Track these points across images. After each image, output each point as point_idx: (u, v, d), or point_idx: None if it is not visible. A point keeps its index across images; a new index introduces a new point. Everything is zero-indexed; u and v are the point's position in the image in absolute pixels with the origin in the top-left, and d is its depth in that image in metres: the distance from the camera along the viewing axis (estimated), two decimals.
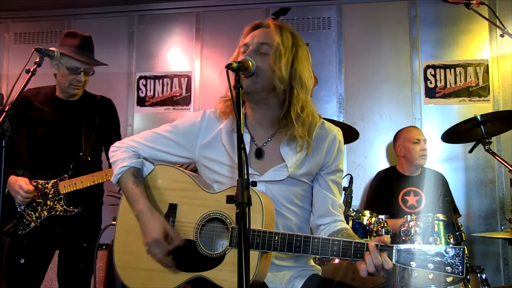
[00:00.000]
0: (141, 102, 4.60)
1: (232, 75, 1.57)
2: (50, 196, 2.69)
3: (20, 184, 2.62)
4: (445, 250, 1.46)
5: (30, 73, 2.03)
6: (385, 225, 2.99)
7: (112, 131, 3.01)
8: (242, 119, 1.46)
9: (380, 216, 2.97)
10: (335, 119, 4.18)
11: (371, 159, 4.27)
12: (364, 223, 2.97)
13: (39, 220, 2.67)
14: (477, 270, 3.04)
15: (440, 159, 4.15)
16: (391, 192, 3.71)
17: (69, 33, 2.85)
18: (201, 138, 1.86)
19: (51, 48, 2.23)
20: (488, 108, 4.09)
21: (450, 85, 4.22)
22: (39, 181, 2.72)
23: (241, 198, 1.33)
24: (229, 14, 4.50)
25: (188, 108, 4.52)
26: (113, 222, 1.89)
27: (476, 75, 4.18)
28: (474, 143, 3.08)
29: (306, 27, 4.46)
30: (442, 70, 4.25)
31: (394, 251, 1.49)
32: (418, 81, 4.25)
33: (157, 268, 1.73)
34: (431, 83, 4.25)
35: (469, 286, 2.93)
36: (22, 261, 2.65)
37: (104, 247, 3.88)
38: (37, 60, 2.08)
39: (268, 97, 1.77)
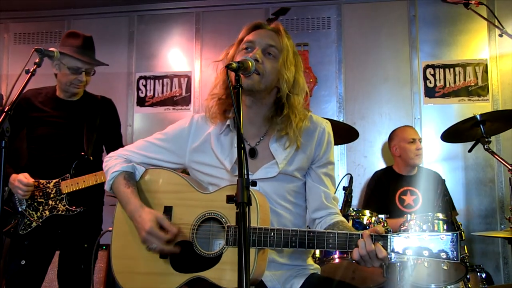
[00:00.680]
0: (141, 102, 4.60)
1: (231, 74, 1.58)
2: (52, 195, 2.69)
3: (20, 179, 2.61)
4: (440, 237, 1.48)
5: (30, 74, 2.04)
6: (385, 225, 3.00)
7: (113, 131, 3.02)
8: (241, 119, 1.46)
9: (380, 216, 2.97)
10: (335, 119, 4.19)
11: (371, 158, 4.27)
12: (364, 222, 2.97)
13: (40, 220, 2.67)
14: (477, 269, 3.04)
15: (439, 158, 4.15)
16: (388, 192, 3.72)
17: (70, 33, 2.86)
18: (191, 143, 1.88)
19: (50, 49, 2.23)
20: (487, 108, 4.10)
21: (450, 84, 4.23)
22: (40, 180, 2.71)
23: (241, 198, 1.33)
24: (229, 14, 4.50)
25: (188, 108, 4.52)
26: (110, 229, 1.89)
27: (475, 74, 4.19)
28: (473, 142, 3.08)
29: (306, 27, 4.46)
30: (442, 70, 4.25)
31: (388, 240, 1.52)
32: (417, 81, 4.26)
33: (155, 271, 1.73)
34: (430, 82, 4.26)
35: (469, 285, 2.94)
36: (23, 262, 2.65)
37: (104, 247, 3.89)
38: (37, 60, 2.09)
39: (266, 96, 1.80)
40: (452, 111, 4.20)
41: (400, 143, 3.77)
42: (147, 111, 4.59)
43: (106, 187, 1.88)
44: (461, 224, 3.02)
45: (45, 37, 4.77)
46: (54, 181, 2.70)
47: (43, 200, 2.69)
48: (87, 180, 2.68)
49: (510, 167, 2.84)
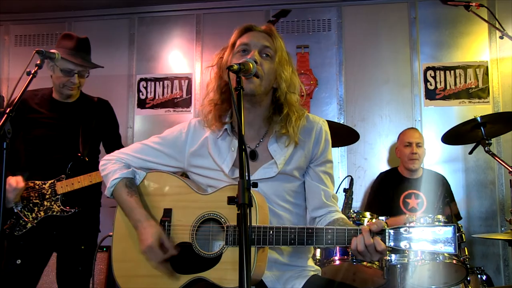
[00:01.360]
0: (142, 104, 4.60)
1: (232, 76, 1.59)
2: (47, 196, 2.69)
3: (9, 182, 2.59)
4: (437, 229, 1.49)
5: (31, 75, 2.03)
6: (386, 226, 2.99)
7: (111, 132, 3.03)
8: (243, 119, 1.46)
9: (380, 218, 2.97)
10: (336, 120, 4.19)
11: (371, 160, 4.27)
12: (365, 224, 2.97)
13: (35, 221, 2.66)
14: (478, 271, 3.05)
15: (440, 160, 4.15)
16: (392, 195, 3.71)
17: (65, 35, 2.87)
18: (189, 147, 1.89)
19: (52, 50, 2.23)
20: (488, 110, 4.10)
21: (450, 86, 4.23)
22: (36, 181, 2.72)
23: (242, 199, 1.33)
24: (230, 17, 4.51)
25: (188, 110, 4.53)
26: (110, 234, 1.89)
27: (476, 76, 4.19)
28: (474, 144, 3.08)
29: (307, 29, 4.46)
30: (442, 72, 4.25)
31: (387, 234, 1.53)
32: (418, 83, 4.26)
33: (156, 273, 1.74)
34: (431, 84, 4.26)
35: (470, 287, 2.94)
36: (19, 261, 2.63)
37: (104, 249, 3.89)
38: (38, 62, 2.09)
39: (264, 98, 1.81)
40: (452, 113, 4.20)
41: (399, 146, 3.80)
42: (148, 113, 4.59)
43: (107, 193, 1.88)
44: (461, 226, 3.02)
45: (46, 39, 4.78)
46: (49, 182, 2.70)
47: (38, 201, 2.69)
48: (82, 181, 2.68)
49: (510, 169, 2.84)
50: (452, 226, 1.48)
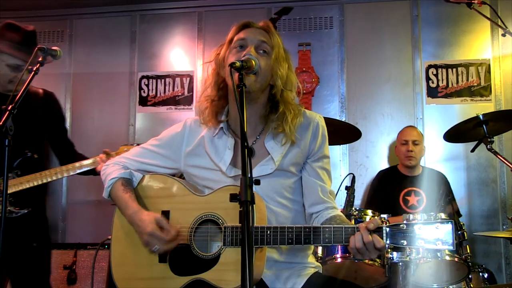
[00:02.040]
0: (143, 101, 4.60)
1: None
2: None
3: None
4: (435, 226, 1.48)
5: (33, 72, 2.03)
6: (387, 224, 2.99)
7: (56, 125, 2.85)
8: (245, 117, 1.46)
9: (382, 215, 2.96)
10: (337, 118, 4.18)
11: (373, 159, 4.27)
12: None
13: None
14: (479, 269, 3.04)
15: (441, 158, 4.15)
16: (392, 192, 3.71)
17: (10, 25, 2.63)
18: (185, 147, 1.89)
19: (53, 47, 2.21)
20: (490, 108, 4.09)
21: (452, 84, 4.22)
22: None
23: (244, 197, 1.33)
24: (231, 14, 4.50)
25: (190, 108, 4.52)
26: (109, 237, 1.89)
27: (478, 74, 4.18)
28: (476, 142, 3.08)
29: (308, 27, 4.46)
30: (444, 70, 4.25)
31: (384, 231, 1.52)
32: (420, 81, 4.25)
33: (155, 275, 1.74)
34: (433, 82, 4.25)
35: (471, 285, 2.93)
36: None
37: (106, 246, 3.89)
38: (40, 59, 2.08)
39: (260, 95, 1.80)
40: (454, 111, 4.19)
41: (397, 143, 3.83)
42: (149, 111, 4.59)
43: (104, 194, 1.88)
44: (463, 224, 3.01)
45: (47, 36, 4.77)
46: None
47: None
48: (31, 181, 2.54)
49: None
50: (451, 223, 1.48)
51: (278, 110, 1.79)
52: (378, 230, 1.53)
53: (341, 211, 1.90)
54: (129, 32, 4.70)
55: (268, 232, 1.59)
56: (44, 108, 2.78)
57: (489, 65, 4.17)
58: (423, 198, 3.65)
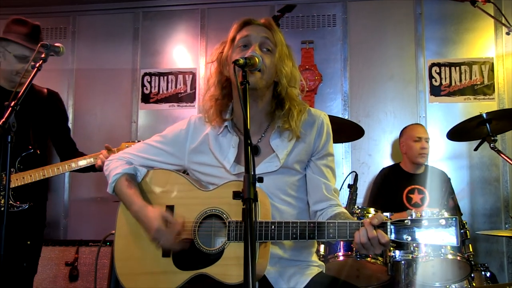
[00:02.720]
0: (146, 99, 4.60)
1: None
2: None
3: None
4: (440, 222, 1.48)
5: (36, 69, 2.03)
6: None
7: (60, 124, 2.91)
8: (248, 115, 1.46)
9: (385, 214, 2.96)
10: (340, 116, 4.17)
11: (375, 157, 4.26)
12: None
13: None
14: (482, 268, 3.04)
15: (444, 157, 4.14)
16: (395, 190, 3.71)
17: (17, 19, 2.71)
18: (189, 144, 1.89)
19: (56, 44, 2.21)
20: (493, 106, 4.07)
21: (455, 83, 4.21)
22: None
23: (248, 194, 1.33)
24: (234, 11, 4.49)
25: (192, 105, 4.52)
26: (112, 232, 1.90)
27: (481, 73, 4.16)
28: (479, 141, 3.07)
29: (311, 25, 4.44)
30: (447, 68, 4.23)
31: (388, 227, 1.52)
32: (423, 79, 4.24)
33: (158, 270, 1.74)
34: (436, 81, 4.24)
35: (474, 284, 2.93)
36: None
37: (108, 243, 3.90)
38: (43, 56, 2.08)
39: (265, 93, 1.80)
40: (457, 109, 4.18)
41: (407, 140, 3.77)
42: (152, 108, 4.59)
43: (109, 189, 1.89)
44: (466, 222, 3.01)
45: (50, 33, 4.76)
46: None
47: None
48: (34, 175, 2.58)
49: None
50: (454, 218, 1.48)
51: (284, 107, 1.79)
52: (382, 226, 1.53)
53: None
54: (132, 29, 4.69)
55: (273, 227, 1.59)
56: (48, 107, 2.82)
57: (493, 63, 4.15)
58: (426, 196, 3.65)
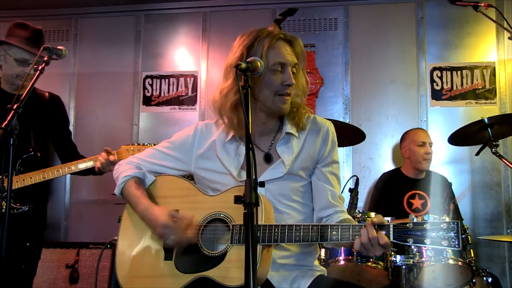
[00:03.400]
0: (147, 101, 4.60)
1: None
2: None
3: None
4: (441, 225, 1.48)
5: (38, 72, 2.04)
6: None
7: (61, 127, 2.93)
8: (250, 118, 1.46)
9: (385, 218, 2.95)
10: (341, 120, 4.17)
11: (376, 160, 4.25)
12: None
13: None
14: (483, 273, 3.03)
15: (445, 161, 4.13)
16: (396, 195, 3.70)
17: (19, 24, 2.74)
18: (196, 149, 1.91)
19: (59, 47, 2.22)
20: (495, 111, 4.07)
21: (457, 87, 4.21)
22: None
23: (249, 199, 1.33)
24: (236, 14, 4.50)
25: (194, 108, 4.52)
26: (115, 238, 1.91)
27: (483, 77, 4.16)
28: (480, 145, 3.07)
29: (313, 28, 4.45)
30: (449, 72, 4.23)
31: (390, 229, 1.53)
32: (424, 83, 4.24)
33: (159, 273, 1.74)
34: (437, 85, 4.24)
35: None
36: None
37: (108, 246, 3.90)
38: (45, 58, 2.09)
39: None
40: (458, 114, 4.17)
41: (410, 145, 3.74)
42: (153, 111, 4.59)
43: (116, 191, 1.91)
44: (467, 227, 3.00)
45: (52, 35, 4.77)
46: None
47: None
48: (34, 177, 2.59)
49: None
50: (456, 223, 1.48)
51: (295, 115, 1.84)
52: (384, 228, 1.53)
53: None
54: (133, 32, 4.70)
55: (276, 230, 1.60)
56: (49, 110, 2.84)
57: (494, 68, 4.15)
58: (427, 201, 3.63)
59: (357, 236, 1.55)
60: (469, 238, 2.90)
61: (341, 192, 1.94)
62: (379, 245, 1.51)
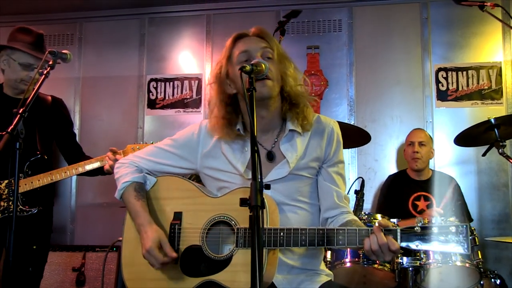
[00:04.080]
0: (152, 104, 4.61)
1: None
2: (4, 196, 2.56)
3: None
4: (450, 229, 1.46)
5: (44, 76, 2.04)
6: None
7: (65, 129, 2.95)
8: (255, 122, 1.45)
9: (392, 220, 2.94)
10: (346, 121, 4.16)
11: (382, 162, 4.24)
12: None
13: None
14: (491, 275, 3.00)
15: (451, 162, 4.11)
16: (401, 197, 3.68)
17: (22, 28, 2.76)
18: (201, 148, 1.89)
19: (64, 51, 2.22)
20: (501, 111, 4.04)
21: (462, 87, 4.18)
22: None
23: (255, 201, 1.32)
24: (240, 17, 4.50)
25: (198, 111, 4.53)
26: (120, 239, 1.91)
27: (489, 77, 4.14)
28: (487, 146, 3.04)
29: (317, 30, 4.44)
30: (454, 73, 4.21)
31: (398, 233, 1.52)
32: (429, 84, 4.22)
33: (165, 277, 1.74)
34: (442, 85, 4.21)
35: None
36: None
37: (114, 249, 3.90)
38: (50, 62, 2.09)
39: (277, 100, 1.81)
40: (464, 114, 4.15)
41: (405, 146, 3.81)
42: (158, 114, 4.60)
43: (117, 195, 1.89)
44: (474, 229, 2.98)
45: (57, 40, 4.80)
46: (5, 181, 2.58)
47: None
48: (42, 179, 2.61)
49: None
50: (465, 226, 1.46)
51: (298, 106, 1.81)
52: (392, 233, 1.52)
53: None
54: (138, 35, 4.72)
55: (282, 234, 1.59)
56: (53, 113, 2.86)
57: (501, 68, 4.12)
58: (432, 203, 3.60)
59: (366, 238, 1.54)
60: (477, 239, 2.88)
61: (347, 194, 1.93)
62: (389, 250, 1.51)
